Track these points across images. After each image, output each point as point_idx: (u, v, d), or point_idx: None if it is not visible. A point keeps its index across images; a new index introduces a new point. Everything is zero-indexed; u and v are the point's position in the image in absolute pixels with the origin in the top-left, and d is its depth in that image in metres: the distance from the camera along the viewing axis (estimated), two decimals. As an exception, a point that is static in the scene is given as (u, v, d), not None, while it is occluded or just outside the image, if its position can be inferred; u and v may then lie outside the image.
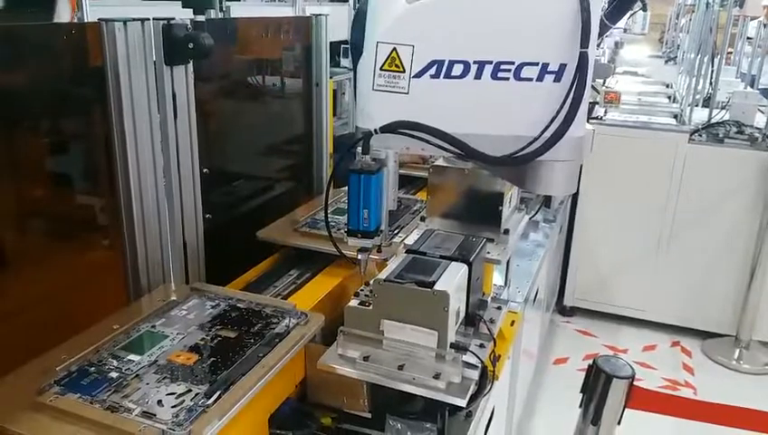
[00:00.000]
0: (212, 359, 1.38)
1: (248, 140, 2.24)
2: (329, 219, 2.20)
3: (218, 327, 1.51)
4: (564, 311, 4.63)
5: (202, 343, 1.45)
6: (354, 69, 1.59)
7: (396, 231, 2.14)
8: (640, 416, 3.50)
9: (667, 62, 8.31)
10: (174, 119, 1.72)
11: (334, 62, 6.50)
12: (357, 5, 1.66)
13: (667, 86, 5.92)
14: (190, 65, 1.73)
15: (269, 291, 1.89)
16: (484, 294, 1.92)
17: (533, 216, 2.68)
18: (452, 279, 1.60)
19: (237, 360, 1.38)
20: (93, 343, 1.41)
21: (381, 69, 1.47)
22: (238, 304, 1.63)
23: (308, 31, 2.37)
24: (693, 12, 6.17)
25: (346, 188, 2.37)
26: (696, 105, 4.51)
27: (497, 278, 2.39)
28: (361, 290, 1.68)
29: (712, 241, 4.17)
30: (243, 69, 2.21)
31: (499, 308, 1.90)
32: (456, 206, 1.99)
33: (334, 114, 6.27)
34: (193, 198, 1.85)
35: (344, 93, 5.10)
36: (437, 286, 1.53)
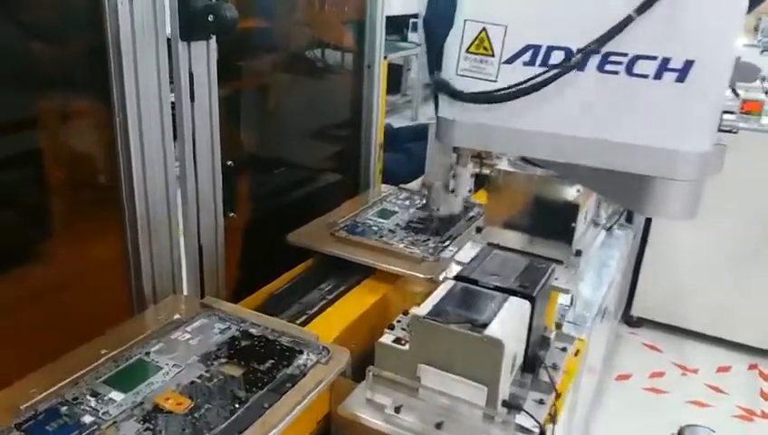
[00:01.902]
0: (207, 406, 1.13)
1: (284, 127, 1.98)
2: (371, 223, 1.96)
3: (222, 360, 1.27)
4: (631, 321, 4.24)
5: (199, 381, 1.20)
6: (428, 47, 1.34)
7: (446, 243, 1.84)
8: (711, 451, 3.13)
9: (762, 51, 7.54)
10: (191, 102, 1.46)
11: (402, 36, 6.16)
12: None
13: (763, 79, 5.30)
14: (213, 41, 1.46)
15: (294, 308, 1.64)
16: (546, 328, 1.61)
17: (611, 227, 2.34)
18: (509, 321, 1.31)
19: (237, 410, 1.13)
20: (73, 371, 1.19)
21: (468, 51, 1.24)
22: (251, 330, 1.38)
23: (362, 5, 2.06)
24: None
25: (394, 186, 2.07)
26: (800, 102, 3.96)
27: (562, 296, 2.07)
28: (398, 322, 1.41)
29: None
30: (279, 45, 1.93)
31: (564, 350, 1.60)
32: (520, 218, 1.71)
33: (398, 91, 5.96)
34: (212, 195, 1.60)
35: (410, 69, 4.80)
36: (490, 331, 1.24)
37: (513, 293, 1.40)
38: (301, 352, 1.31)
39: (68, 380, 1.17)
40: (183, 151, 1.49)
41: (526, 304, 1.38)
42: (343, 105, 2.20)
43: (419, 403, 1.31)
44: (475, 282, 1.43)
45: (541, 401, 1.40)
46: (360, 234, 1.87)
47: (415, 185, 2.23)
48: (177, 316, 1.40)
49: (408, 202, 2.14)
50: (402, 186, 2.24)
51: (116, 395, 1.15)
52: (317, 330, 1.46)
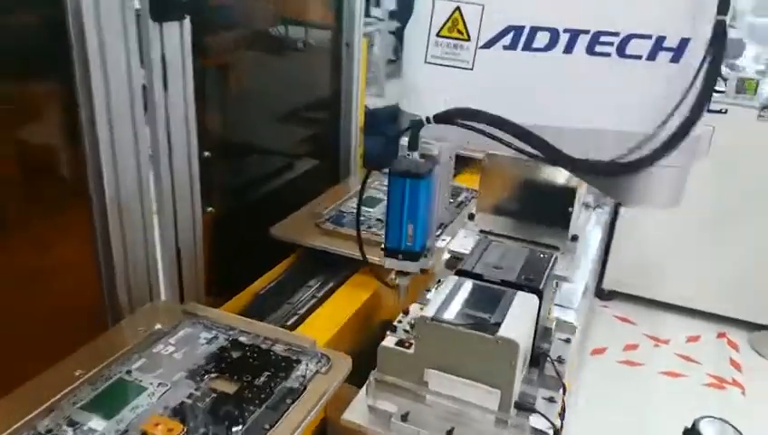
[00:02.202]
0: (201, 430, 1.02)
1: (262, 114, 1.83)
2: (360, 213, 1.84)
3: (213, 375, 1.15)
4: (602, 295, 4.26)
5: (189, 401, 1.09)
6: (402, 25, 1.23)
7: (438, 232, 1.74)
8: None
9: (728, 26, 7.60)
10: (164, 90, 1.32)
11: (365, 11, 5.99)
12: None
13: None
14: (187, 22, 1.32)
15: (283, 309, 1.53)
16: (548, 319, 1.55)
17: (597, 207, 2.29)
18: (520, 318, 1.23)
19: (236, 433, 1.02)
20: (46, 398, 1.06)
21: (439, 35, 1.12)
22: (241, 338, 1.26)
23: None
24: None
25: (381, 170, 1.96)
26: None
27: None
28: (399, 322, 1.32)
29: (768, 228, 3.74)
30: (255, 25, 1.78)
31: (568, 341, 1.54)
32: (514, 203, 1.64)
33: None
34: (189, 190, 1.47)
35: (373, 45, 4.67)
36: (503, 332, 1.16)
37: (520, 287, 1.32)
38: (298, 362, 1.20)
39: (40, 408, 1.04)
40: (156, 142, 1.35)
41: (534, 298, 1.30)
42: (322, 87, 2.06)
43: (426, 409, 1.23)
44: (479, 277, 1.35)
45: (551, 399, 1.33)
46: (346, 224, 1.76)
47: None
48: (157, 326, 1.27)
49: (392, 188, 2.03)
50: (385, 170, 2.13)
51: (96, 423, 1.03)
52: (310, 332, 1.36)
